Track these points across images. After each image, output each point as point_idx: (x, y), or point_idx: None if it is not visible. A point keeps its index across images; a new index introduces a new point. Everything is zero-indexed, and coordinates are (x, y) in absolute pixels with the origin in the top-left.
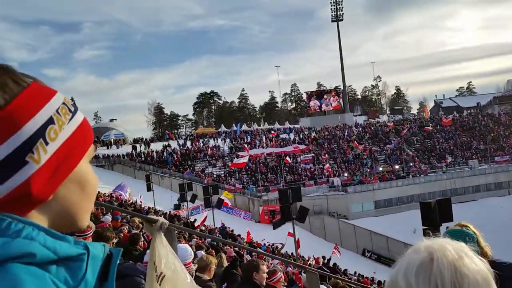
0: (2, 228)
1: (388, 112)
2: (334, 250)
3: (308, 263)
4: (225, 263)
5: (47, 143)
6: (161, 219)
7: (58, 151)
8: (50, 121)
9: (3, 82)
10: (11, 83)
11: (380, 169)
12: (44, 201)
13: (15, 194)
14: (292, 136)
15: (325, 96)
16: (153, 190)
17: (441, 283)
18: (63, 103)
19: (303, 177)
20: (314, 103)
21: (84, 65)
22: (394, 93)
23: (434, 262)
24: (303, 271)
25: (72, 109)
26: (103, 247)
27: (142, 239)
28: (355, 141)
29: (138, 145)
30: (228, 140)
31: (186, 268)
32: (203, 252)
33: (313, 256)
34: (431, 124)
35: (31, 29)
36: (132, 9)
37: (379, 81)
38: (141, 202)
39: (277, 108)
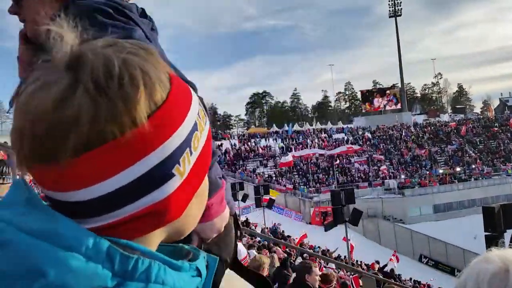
0: (130, 268)
1: (449, 111)
2: (392, 257)
3: (361, 268)
4: (277, 263)
5: (191, 153)
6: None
7: (196, 162)
8: (195, 127)
9: (159, 76)
10: (164, 76)
11: (440, 171)
12: (176, 218)
13: (148, 211)
14: (345, 136)
15: (381, 95)
16: None
17: None
18: (199, 104)
19: (357, 179)
20: (369, 102)
21: None
22: (456, 91)
23: (510, 274)
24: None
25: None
26: (204, 259)
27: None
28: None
29: None
30: (279, 140)
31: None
32: (254, 251)
33: (362, 261)
34: (497, 124)
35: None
36: (189, 11)
37: (440, 78)
38: None
39: (330, 108)
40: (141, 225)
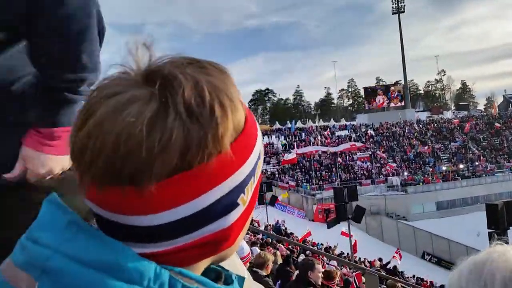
0: None
1: (453, 108)
2: (395, 255)
3: (363, 265)
4: (280, 260)
5: (254, 182)
6: None
7: (254, 189)
8: (260, 154)
9: (239, 101)
10: (240, 101)
11: (444, 168)
12: (230, 246)
13: (209, 239)
14: (348, 133)
15: (384, 92)
16: None
17: (491, 284)
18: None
19: (359, 176)
20: (372, 99)
21: None
22: (460, 88)
23: (487, 264)
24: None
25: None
26: (236, 280)
27: None
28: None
29: None
30: (282, 137)
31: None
32: (257, 249)
33: (366, 258)
34: (500, 121)
35: None
36: (191, 10)
37: (444, 75)
38: None
39: (332, 105)
40: (198, 252)
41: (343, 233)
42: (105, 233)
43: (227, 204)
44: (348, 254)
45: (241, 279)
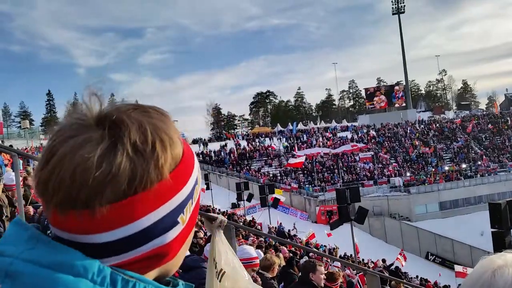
0: None
1: (454, 107)
2: (399, 257)
3: (367, 266)
4: (282, 263)
5: (192, 203)
6: (221, 216)
7: (193, 210)
8: (197, 180)
9: (177, 137)
10: (178, 137)
11: (446, 168)
12: (170, 261)
13: (152, 254)
14: (349, 134)
15: (385, 92)
16: (211, 189)
17: None
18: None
19: (362, 177)
20: (373, 99)
21: (147, 69)
22: (461, 88)
23: (494, 278)
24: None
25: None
26: (183, 285)
27: (202, 235)
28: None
29: (197, 145)
30: (284, 139)
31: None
32: (260, 252)
33: (369, 259)
34: (502, 120)
35: (98, 36)
36: (192, 13)
37: (445, 75)
38: (203, 191)
39: (334, 106)
40: (143, 265)
41: (329, 235)
42: None
43: (168, 222)
44: (351, 255)
45: (189, 287)
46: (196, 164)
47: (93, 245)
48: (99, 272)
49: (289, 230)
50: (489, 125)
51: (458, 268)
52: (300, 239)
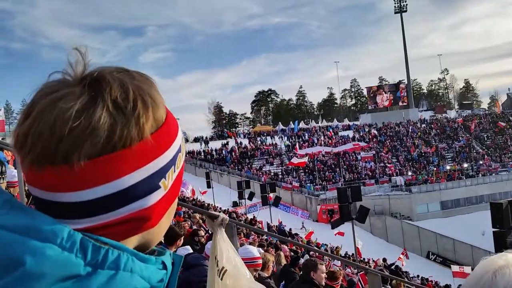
0: (101, 258)
1: (456, 107)
2: (401, 256)
3: (367, 265)
4: (283, 261)
5: (175, 170)
6: (222, 215)
7: (176, 179)
8: (180, 148)
9: (161, 102)
10: (163, 103)
11: (448, 167)
12: (153, 227)
13: (132, 217)
14: (351, 133)
15: (387, 91)
16: (212, 187)
17: None
18: (181, 131)
19: (363, 176)
20: (375, 98)
21: (148, 67)
22: (463, 87)
23: (495, 278)
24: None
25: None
26: (170, 256)
27: (203, 234)
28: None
29: (198, 144)
30: (285, 138)
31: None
32: (261, 250)
33: (370, 258)
34: (504, 120)
35: (99, 35)
36: (193, 11)
37: (447, 74)
38: (203, 194)
39: (335, 105)
40: (123, 229)
41: (339, 234)
42: (42, 211)
43: (148, 186)
44: (352, 254)
45: (179, 257)
46: (180, 133)
47: (67, 205)
48: (69, 238)
49: (290, 229)
50: (499, 123)
51: (454, 268)
52: (301, 238)
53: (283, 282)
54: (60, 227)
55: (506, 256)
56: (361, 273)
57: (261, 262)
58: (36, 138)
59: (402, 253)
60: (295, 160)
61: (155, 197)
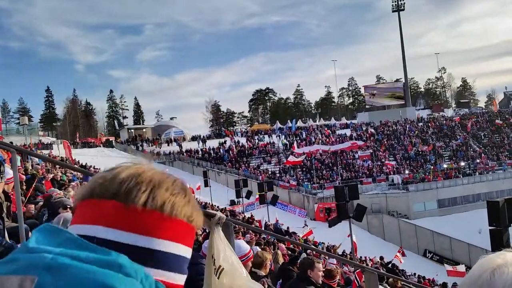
0: None
1: (453, 105)
2: (398, 255)
3: (364, 263)
4: (281, 260)
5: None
6: (219, 213)
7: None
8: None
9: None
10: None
11: (445, 166)
12: None
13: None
14: (349, 132)
15: (385, 90)
16: (210, 186)
17: None
18: None
19: (361, 174)
20: (373, 97)
21: (146, 65)
22: (460, 85)
23: (494, 277)
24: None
25: None
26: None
27: (200, 232)
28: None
29: (196, 142)
30: (283, 136)
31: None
32: (258, 249)
33: (367, 257)
34: (501, 118)
35: (96, 33)
36: (191, 10)
37: (444, 72)
38: (198, 189)
39: (333, 104)
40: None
41: (349, 236)
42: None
43: (183, 265)
44: (350, 253)
45: None
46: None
47: (146, 250)
48: (146, 278)
49: (288, 228)
50: (497, 121)
51: (448, 267)
52: (298, 236)
53: (281, 280)
54: (139, 267)
55: (505, 255)
56: (357, 271)
57: (252, 254)
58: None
59: (399, 251)
60: (291, 159)
61: (179, 279)
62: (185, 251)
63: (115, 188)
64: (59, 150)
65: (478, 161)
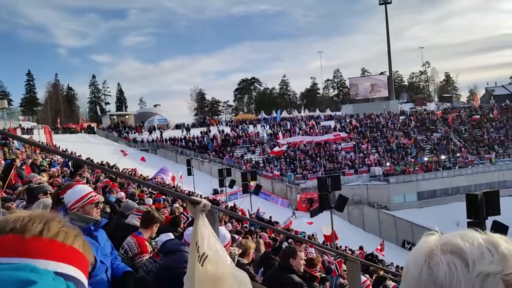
0: None
1: (436, 99)
2: (379, 248)
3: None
4: (262, 248)
5: None
6: (204, 200)
7: None
8: None
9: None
10: None
11: (425, 159)
12: None
13: None
14: (333, 123)
15: (369, 82)
16: (193, 175)
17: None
18: None
19: (343, 166)
20: (357, 89)
21: (130, 51)
22: (443, 80)
23: (432, 270)
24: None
25: None
26: None
27: (183, 222)
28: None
29: (180, 130)
30: (268, 126)
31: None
32: (237, 237)
33: (347, 247)
34: (482, 113)
35: (80, 17)
36: None
37: (428, 67)
38: (181, 178)
39: (318, 95)
40: None
41: (309, 224)
42: None
43: None
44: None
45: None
46: None
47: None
48: (56, 277)
49: (270, 217)
50: (476, 116)
51: None
52: (280, 226)
53: (262, 268)
54: (47, 271)
55: (425, 242)
56: (338, 260)
57: (230, 239)
58: None
59: (381, 244)
60: (276, 149)
61: None
62: (82, 277)
63: (11, 225)
64: (39, 135)
65: (458, 155)
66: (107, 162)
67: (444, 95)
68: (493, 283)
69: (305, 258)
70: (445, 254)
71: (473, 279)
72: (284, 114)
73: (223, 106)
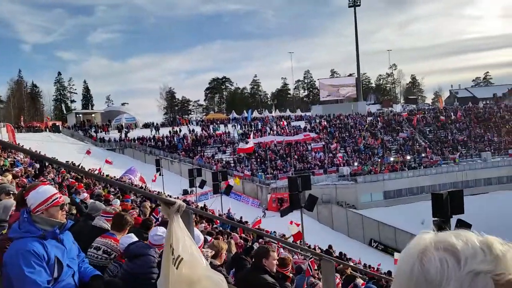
0: None
1: (402, 101)
2: (290, 226)
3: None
4: (234, 249)
5: None
6: (179, 201)
7: None
8: None
9: None
10: None
11: (392, 159)
12: None
13: None
14: (303, 124)
15: (338, 84)
16: (162, 175)
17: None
18: None
19: (313, 166)
20: (326, 90)
21: (97, 48)
22: (410, 82)
23: (424, 266)
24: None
25: None
26: None
27: (154, 224)
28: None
29: (148, 130)
30: (238, 126)
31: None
32: (212, 238)
33: (316, 245)
34: (446, 115)
35: (45, 12)
36: None
37: (395, 69)
38: (155, 178)
39: (289, 96)
40: None
41: (291, 222)
42: None
43: None
44: (300, 242)
45: None
46: None
47: None
48: None
49: (241, 217)
50: (442, 117)
51: (397, 255)
52: (250, 225)
53: (233, 269)
54: None
55: (420, 239)
56: (311, 259)
57: (202, 240)
58: None
59: (290, 222)
60: (242, 146)
61: None
62: None
63: None
64: (1, 134)
65: (423, 155)
66: (72, 161)
67: (410, 97)
68: (483, 282)
69: (278, 258)
70: (438, 251)
71: (463, 277)
72: (255, 114)
73: (193, 106)
